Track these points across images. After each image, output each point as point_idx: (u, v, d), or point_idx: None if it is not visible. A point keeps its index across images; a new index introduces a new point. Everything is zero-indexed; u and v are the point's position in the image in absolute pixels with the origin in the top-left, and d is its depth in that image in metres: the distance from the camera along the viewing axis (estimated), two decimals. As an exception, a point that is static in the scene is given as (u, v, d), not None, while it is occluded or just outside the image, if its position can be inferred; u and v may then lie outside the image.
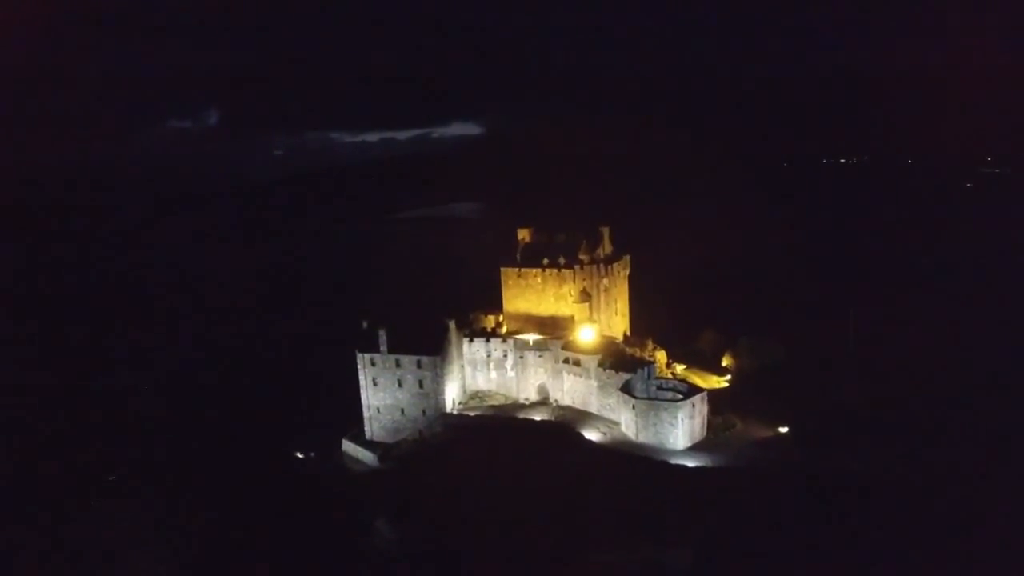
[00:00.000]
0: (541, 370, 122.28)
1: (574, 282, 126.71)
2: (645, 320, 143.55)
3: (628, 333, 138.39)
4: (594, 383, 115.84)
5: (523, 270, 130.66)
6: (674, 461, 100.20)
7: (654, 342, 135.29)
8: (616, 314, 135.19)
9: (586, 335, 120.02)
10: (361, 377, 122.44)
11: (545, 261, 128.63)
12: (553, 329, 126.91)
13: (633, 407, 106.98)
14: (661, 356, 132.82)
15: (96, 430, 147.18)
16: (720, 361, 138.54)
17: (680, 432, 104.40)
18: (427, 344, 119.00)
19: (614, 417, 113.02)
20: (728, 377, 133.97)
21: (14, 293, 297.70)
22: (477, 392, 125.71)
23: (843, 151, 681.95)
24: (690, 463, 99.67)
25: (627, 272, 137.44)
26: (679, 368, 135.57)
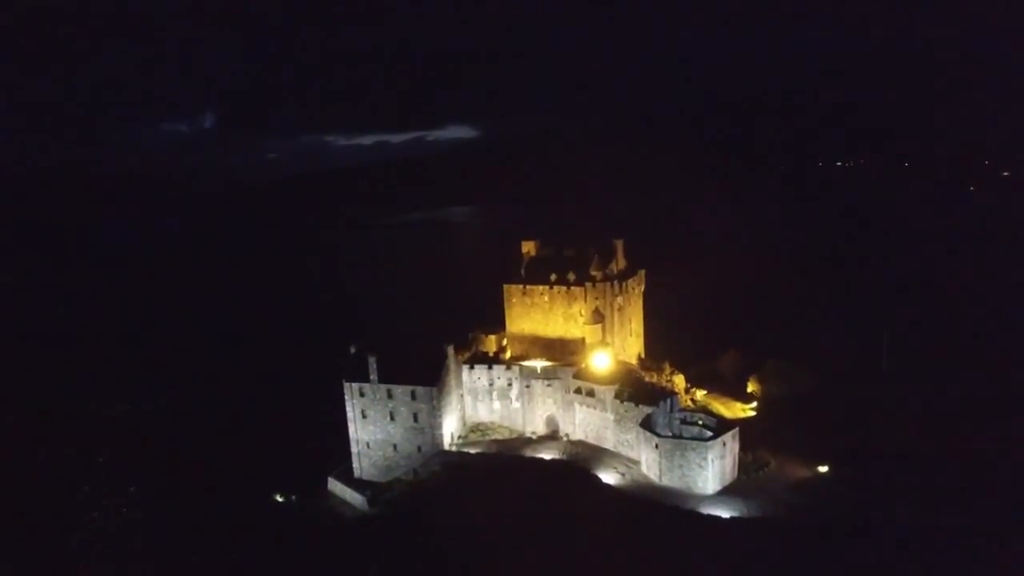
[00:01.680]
0: (550, 401, 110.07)
1: (585, 301, 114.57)
2: (660, 340, 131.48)
3: (642, 355, 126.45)
4: (610, 416, 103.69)
5: (528, 287, 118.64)
6: (705, 510, 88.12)
7: (671, 365, 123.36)
8: (630, 335, 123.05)
9: (600, 361, 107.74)
10: (349, 409, 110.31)
11: (553, 277, 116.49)
12: (562, 353, 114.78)
13: (656, 446, 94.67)
14: (680, 381, 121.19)
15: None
16: (744, 386, 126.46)
17: (710, 475, 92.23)
18: (422, 372, 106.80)
19: (633, 455, 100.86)
20: (754, 405, 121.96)
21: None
22: (478, 425, 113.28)
23: (839, 154, 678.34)
24: (724, 513, 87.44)
25: (642, 289, 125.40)
26: (699, 394, 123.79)
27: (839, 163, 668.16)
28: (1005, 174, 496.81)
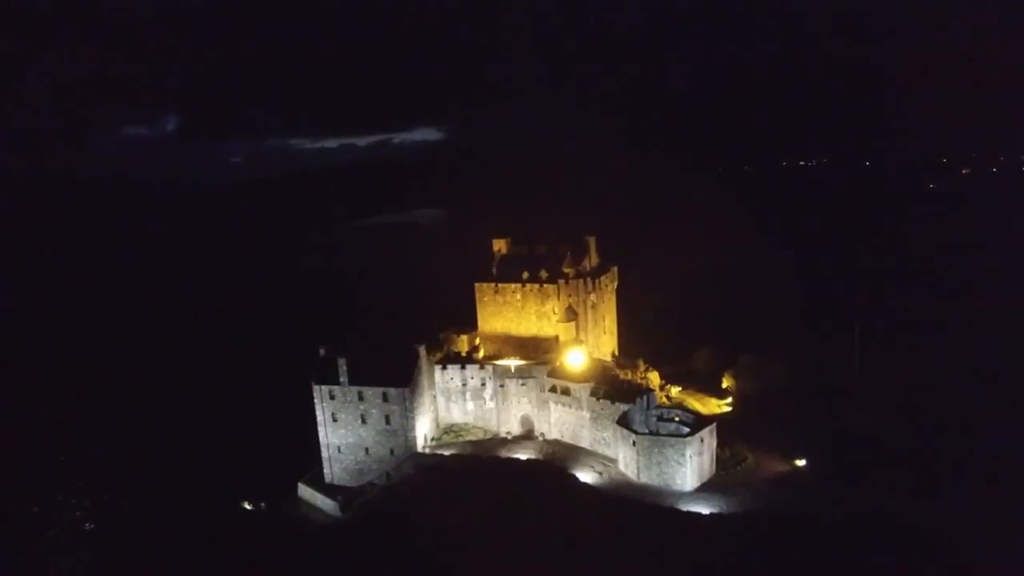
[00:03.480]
0: (525, 400, 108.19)
1: (558, 298, 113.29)
2: (634, 337, 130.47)
3: (616, 353, 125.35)
4: (586, 414, 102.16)
5: (500, 285, 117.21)
6: (684, 507, 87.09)
7: (645, 362, 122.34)
8: (604, 333, 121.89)
9: (575, 359, 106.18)
10: (318, 412, 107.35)
11: (525, 275, 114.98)
12: (535, 352, 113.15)
13: (633, 443, 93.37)
14: (654, 377, 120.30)
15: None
16: (718, 382, 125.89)
17: (688, 471, 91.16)
18: (394, 373, 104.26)
19: (610, 453, 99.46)
20: (729, 400, 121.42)
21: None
22: (452, 426, 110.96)
23: (802, 154, 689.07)
24: (703, 509, 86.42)
25: (615, 286, 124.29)
26: (674, 391, 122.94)
27: (802, 162, 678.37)
28: (964, 171, 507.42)
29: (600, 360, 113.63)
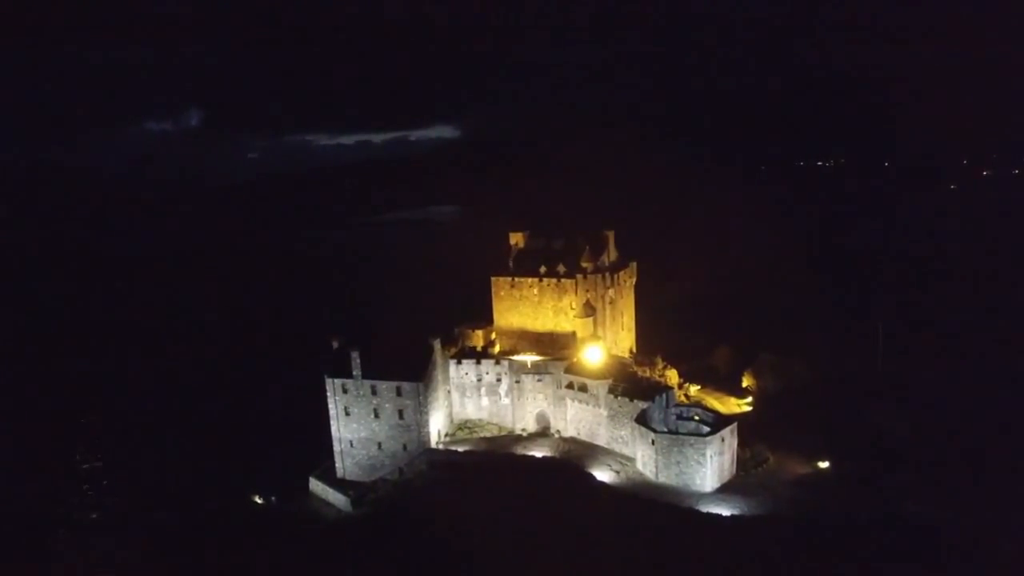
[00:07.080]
0: (540, 396, 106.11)
1: (576, 293, 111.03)
2: (651, 334, 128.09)
3: (634, 350, 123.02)
4: (603, 412, 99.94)
5: (517, 279, 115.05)
6: (704, 508, 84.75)
7: (664, 359, 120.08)
8: (622, 329, 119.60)
9: (592, 355, 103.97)
10: (331, 406, 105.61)
11: (543, 269, 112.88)
12: (552, 348, 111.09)
13: (652, 442, 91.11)
14: (672, 375, 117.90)
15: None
16: (738, 381, 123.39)
17: (708, 471, 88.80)
18: (408, 367, 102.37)
19: (627, 452, 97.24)
20: (749, 399, 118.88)
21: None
22: (466, 422, 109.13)
23: (820, 153, 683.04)
24: (723, 511, 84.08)
25: (633, 281, 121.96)
26: (693, 389, 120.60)
27: (820, 163, 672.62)
28: (985, 173, 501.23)
29: (618, 357, 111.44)
